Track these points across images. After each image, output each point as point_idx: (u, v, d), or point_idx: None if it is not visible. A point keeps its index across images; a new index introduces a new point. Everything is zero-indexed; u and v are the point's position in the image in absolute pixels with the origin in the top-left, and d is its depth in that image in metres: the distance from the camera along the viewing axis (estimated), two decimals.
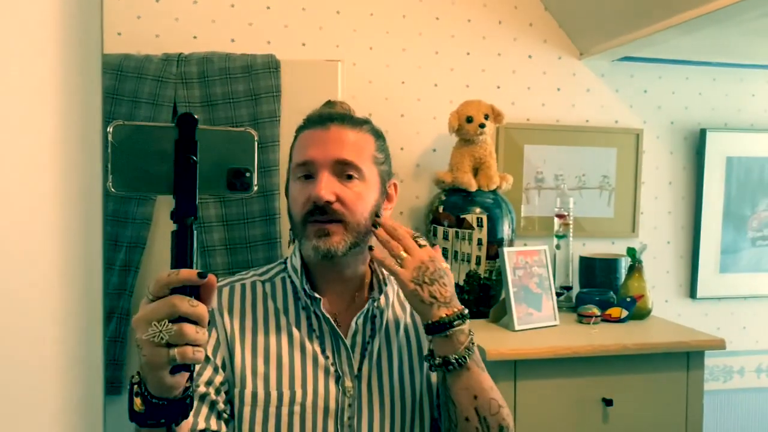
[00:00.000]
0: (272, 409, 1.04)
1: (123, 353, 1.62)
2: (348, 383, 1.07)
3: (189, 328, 0.69)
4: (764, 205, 2.23)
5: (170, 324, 0.68)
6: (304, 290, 1.09)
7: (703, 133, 2.18)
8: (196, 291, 0.70)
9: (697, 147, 2.21)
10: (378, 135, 1.13)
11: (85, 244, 0.34)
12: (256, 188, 0.73)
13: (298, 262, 1.12)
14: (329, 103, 1.19)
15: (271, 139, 1.63)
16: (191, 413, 0.79)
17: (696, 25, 1.63)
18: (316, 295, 1.08)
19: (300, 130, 1.13)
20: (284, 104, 1.63)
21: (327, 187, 1.04)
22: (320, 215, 1.05)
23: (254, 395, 1.04)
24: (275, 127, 1.63)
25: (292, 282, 1.13)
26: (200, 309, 0.70)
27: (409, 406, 1.10)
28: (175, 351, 0.68)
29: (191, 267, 0.70)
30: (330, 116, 1.10)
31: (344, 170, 1.06)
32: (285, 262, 1.17)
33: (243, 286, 1.12)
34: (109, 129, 0.68)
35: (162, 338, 0.68)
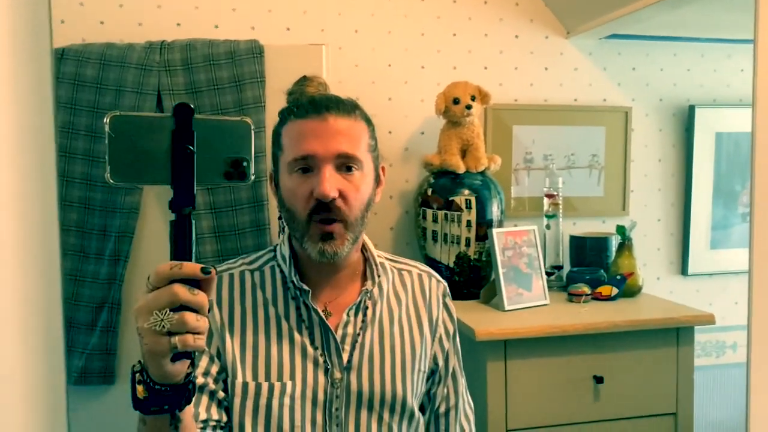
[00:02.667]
0: (262, 401, 1.04)
1: (115, 343, 1.62)
2: (337, 374, 1.07)
3: (190, 317, 0.69)
4: None
5: (171, 313, 0.68)
6: (293, 282, 1.08)
7: (691, 109, 2.18)
8: (196, 282, 0.71)
9: (686, 124, 2.20)
10: (368, 120, 1.11)
11: (42, 228, 0.34)
12: (253, 177, 0.73)
13: (287, 251, 1.11)
14: (304, 79, 1.14)
15: (256, 125, 1.62)
16: (192, 403, 0.79)
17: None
18: (305, 287, 1.07)
19: (288, 116, 1.08)
20: (269, 90, 1.62)
21: (331, 184, 1.01)
22: (324, 212, 1.03)
23: (244, 386, 1.04)
24: (260, 113, 1.62)
25: (281, 271, 1.11)
26: (201, 297, 0.70)
27: (400, 399, 1.10)
28: (176, 339, 0.69)
29: (191, 256, 0.70)
30: (324, 104, 1.05)
31: (344, 163, 1.03)
32: (274, 250, 1.16)
33: (231, 276, 1.11)
34: (106, 120, 0.68)
35: (163, 327, 0.68)
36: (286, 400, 1.04)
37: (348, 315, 1.09)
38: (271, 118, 1.64)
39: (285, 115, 1.09)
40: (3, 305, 0.35)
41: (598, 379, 1.60)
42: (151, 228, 1.64)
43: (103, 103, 1.60)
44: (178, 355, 0.70)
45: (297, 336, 1.07)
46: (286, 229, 1.14)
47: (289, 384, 1.04)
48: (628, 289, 1.84)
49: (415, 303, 1.18)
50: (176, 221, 0.69)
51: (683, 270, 2.22)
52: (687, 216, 2.20)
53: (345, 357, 1.08)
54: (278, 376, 1.05)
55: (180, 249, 0.69)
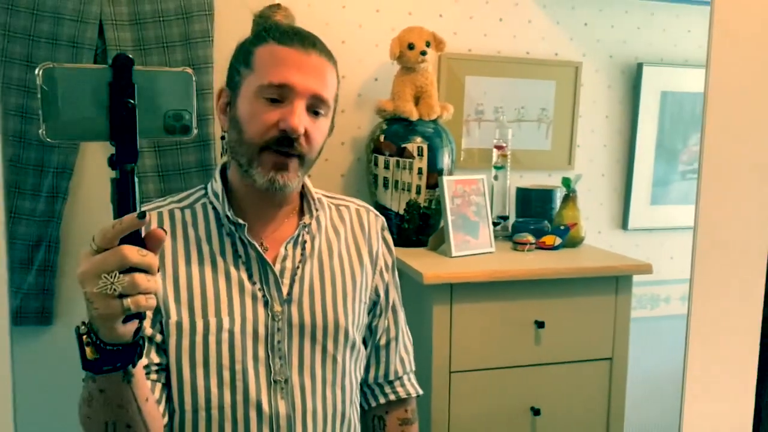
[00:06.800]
0: (198, 338, 1.01)
1: (53, 282, 1.57)
2: (277, 308, 1.05)
3: (141, 278, 0.68)
4: (695, 139, 2.31)
5: (121, 275, 0.67)
6: (227, 217, 1.06)
7: (639, 67, 2.22)
8: (142, 241, 0.69)
9: (633, 81, 2.24)
10: (336, 67, 1.10)
11: None
12: (195, 132, 0.70)
13: (219, 187, 1.08)
14: (277, 6, 1.11)
15: (204, 60, 1.57)
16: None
17: None
18: (241, 221, 1.05)
19: (268, 37, 1.04)
20: (218, 24, 1.57)
21: (301, 120, 1.00)
22: (285, 146, 1.01)
23: (179, 325, 1.01)
24: (207, 48, 1.57)
25: (214, 208, 1.08)
26: (150, 258, 0.69)
27: (342, 329, 1.10)
28: (128, 301, 0.68)
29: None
30: (310, 39, 1.05)
31: (315, 105, 1.03)
32: (205, 188, 1.13)
33: (160, 215, 1.07)
34: (38, 72, 0.63)
35: (115, 290, 0.67)
36: (224, 336, 1.02)
37: (286, 249, 1.08)
38: (219, 53, 1.59)
39: (264, 35, 1.05)
40: None
41: (540, 324, 1.64)
42: (92, 165, 1.58)
43: (40, 30, 1.51)
44: (129, 317, 0.70)
45: (234, 272, 1.05)
46: (224, 156, 1.11)
47: (226, 319, 1.02)
48: (570, 239, 1.89)
49: (354, 236, 1.19)
50: (119, 179, 0.66)
51: (624, 224, 2.29)
52: (630, 172, 2.26)
53: (285, 290, 1.07)
54: (215, 312, 1.02)
55: (124, 208, 0.66)
